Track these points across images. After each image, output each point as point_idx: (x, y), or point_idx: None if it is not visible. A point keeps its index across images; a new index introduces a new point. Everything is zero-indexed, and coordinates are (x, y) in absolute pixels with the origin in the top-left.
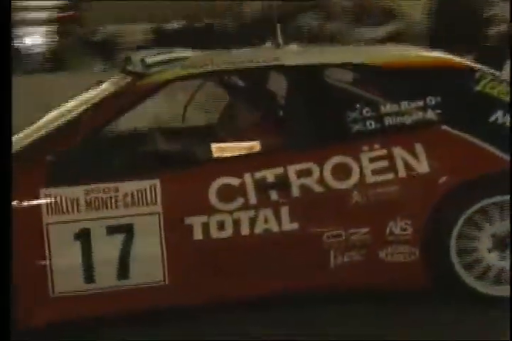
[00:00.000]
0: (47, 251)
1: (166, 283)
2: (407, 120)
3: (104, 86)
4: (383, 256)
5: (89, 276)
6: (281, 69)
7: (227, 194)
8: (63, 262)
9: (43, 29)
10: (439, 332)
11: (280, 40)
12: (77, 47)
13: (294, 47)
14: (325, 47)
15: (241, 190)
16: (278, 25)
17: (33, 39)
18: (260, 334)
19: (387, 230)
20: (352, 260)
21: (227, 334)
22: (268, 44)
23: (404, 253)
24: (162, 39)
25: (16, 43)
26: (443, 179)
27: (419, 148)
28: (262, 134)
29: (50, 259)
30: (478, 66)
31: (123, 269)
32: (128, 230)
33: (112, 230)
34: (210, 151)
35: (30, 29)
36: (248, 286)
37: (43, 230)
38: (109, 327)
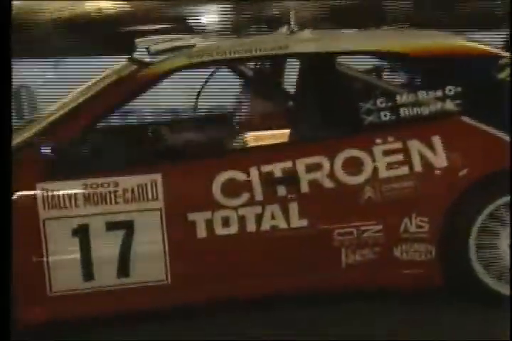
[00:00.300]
0: (44, 248)
1: (169, 282)
2: (425, 111)
3: (107, 74)
4: (398, 254)
5: (87, 274)
6: (290, 57)
7: (232, 189)
8: (61, 259)
9: (217, 7)
10: (439, 332)
11: (294, 26)
12: (250, 23)
13: (307, 33)
14: (342, 34)
15: (247, 185)
16: (292, 9)
17: (207, 17)
18: (260, 334)
19: (402, 227)
20: (364, 258)
21: (227, 334)
22: (283, 29)
23: (420, 252)
24: (332, 16)
25: (191, 22)
26: (462, 173)
27: (436, 140)
28: (269, 126)
29: (48, 256)
30: (503, 53)
31: (123, 267)
32: (128, 226)
33: (111, 226)
34: (214, 143)
35: (204, 7)
36: (254, 286)
37: (39, 226)
38: (108, 327)
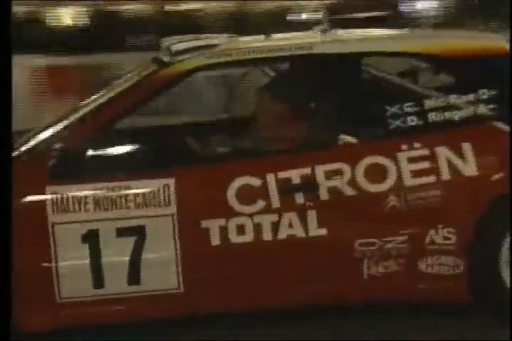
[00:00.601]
0: (53, 253)
1: (181, 290)
2: (455, 116)
3: (131, 75)
4: (423, 267)
5: (97, 281)
6: (314, 58)
7: (247, 195)
8: (70, 265)
9: None
10: (439, 332)
11: (326, 26)
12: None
13: (337, 33)
14: (371, 34)
15: (263, 192)
16: (325, 8)
17: (422, 4)
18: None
19: (427, 239)
20: (388, 270)
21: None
22: (316, 29)
23: (448, 265)
24: None
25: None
26: (493, 183)
27: (466, 147)
28: (288, 130)
29: (56, 261)
30: None
31: (134, 274)
32: (139, 232)
33: (122, 232)
34: (230, 147)
35: None
36: (269, 296)
37: (48, 230)
38: (108, 327)
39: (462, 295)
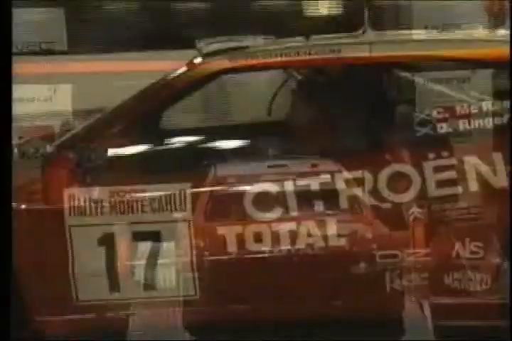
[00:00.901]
0: (70, 256)
1: (197, 297)
2: (487, 124)
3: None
4: (449, 282)
5: (113, 285)
6: (341, 61)
7: (264, 202)
8: (86, 268)
9: None
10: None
11: (367, 27)
12: None
13: (372, 35)
14: (409, 36)
15: (281, 199)
16: (366, 10)
17: None
18: None
19: (453, 253)
20: (411, 284)
21: None
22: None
23: (474, 281)
24: None
25: None
26: None
27: (497, 157)
28: (311, 136)
29: (74, 264)
30: None
31: (150, 279)
32: (155, 237)
33: (137, 236)
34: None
35: None
36: (286, 306)
37: (66, 233)
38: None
39: (490, 314)
